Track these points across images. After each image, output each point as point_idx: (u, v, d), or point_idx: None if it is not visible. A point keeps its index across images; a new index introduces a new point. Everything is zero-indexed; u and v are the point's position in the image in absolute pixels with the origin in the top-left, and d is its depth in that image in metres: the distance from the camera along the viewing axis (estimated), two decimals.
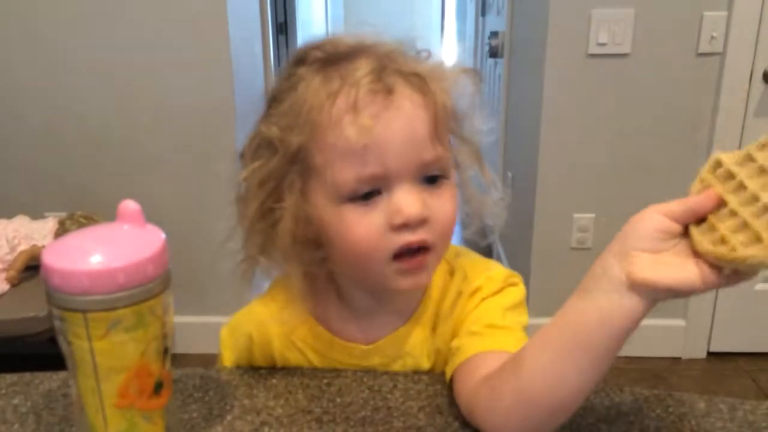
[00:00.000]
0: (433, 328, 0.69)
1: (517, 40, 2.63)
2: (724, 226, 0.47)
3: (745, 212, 0.47)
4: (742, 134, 2.01)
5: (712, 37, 1.94)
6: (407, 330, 0.69)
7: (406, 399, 0.62)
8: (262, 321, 0.70)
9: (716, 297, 2.18)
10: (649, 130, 2.04)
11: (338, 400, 0.62)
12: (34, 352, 1.51)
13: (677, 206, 0.51)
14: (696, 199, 0.50)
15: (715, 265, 0.47)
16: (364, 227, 0.58)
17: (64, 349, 0.48)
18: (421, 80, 0.59)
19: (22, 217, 1.98)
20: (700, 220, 0.49)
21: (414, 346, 0.69)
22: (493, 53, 2.89)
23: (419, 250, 0.59)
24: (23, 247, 1.88)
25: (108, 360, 0.47)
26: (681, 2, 1.92)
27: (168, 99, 2.06)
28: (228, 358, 0.72)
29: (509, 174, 2.67)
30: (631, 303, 0.50)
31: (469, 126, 0.65)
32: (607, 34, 1.94)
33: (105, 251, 0.47)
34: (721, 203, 0.49)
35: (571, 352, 0.52)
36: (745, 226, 0.46)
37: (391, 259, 0.59)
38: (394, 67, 0.59)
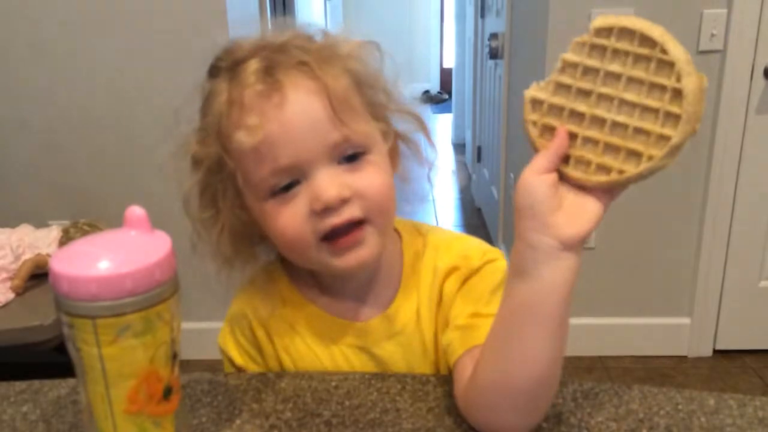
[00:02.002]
0: (419, 305, 0.70)
1: (516, 42, 2.63)
2: (591, 154, 0.51)
3: (601, 135, 0.50)
4: (744, 131, 2.01)
5: (712, 35, 1.93)
6: (392, 313, 0.70)
7: (414, 401, 0.62)
8: (252, 302, 0.73)
9: (721, 295, 2.18)
10: None
11: (347, 402, 0.62)
12: (41, 360, 1.51)
13: (545, 159, 0.53)
14: (554, 144, 0.53)
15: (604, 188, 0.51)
16: (287, 218, 0.61)
17: (73, 355, 0.48)
18: (308, 67, 0.61)
19: (26, 226, 1.98)
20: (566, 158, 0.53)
21: (406, 324, 0.70)
22: (493, 55, 2.89)
23: (351, 227, 0.61)
24: (28, 255, 1.88)
25: (117, 366, 0.47)
26: (681, 0, 1.92)
27: (170, 105, 2.06)
28: (234, 353, 0.73)
29: (511, 175, 2.67)
30: (570, 261, 0.52)
31: (396, 94, 0.68)
32: None
33: (112, 257, 0.47)
34: (572, 135, 0.52)
35: (534, 331, 0.54)
36: (608, 146, 0.50)
37: (320, 242, 0.61)
38: (282, 61, 0.61)
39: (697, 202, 2.11)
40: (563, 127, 0.53)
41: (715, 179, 2.06)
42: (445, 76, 6.62)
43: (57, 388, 0.66)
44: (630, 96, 0.49)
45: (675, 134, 0.47)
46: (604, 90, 0.50)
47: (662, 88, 0.48)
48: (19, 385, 0.67)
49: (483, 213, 3.56)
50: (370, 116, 0.65)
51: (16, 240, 1.90)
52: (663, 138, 0.48)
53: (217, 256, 0.67)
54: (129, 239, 0.49)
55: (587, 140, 0.51)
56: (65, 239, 1.92)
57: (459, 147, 4.88)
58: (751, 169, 2.05)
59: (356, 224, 0.61)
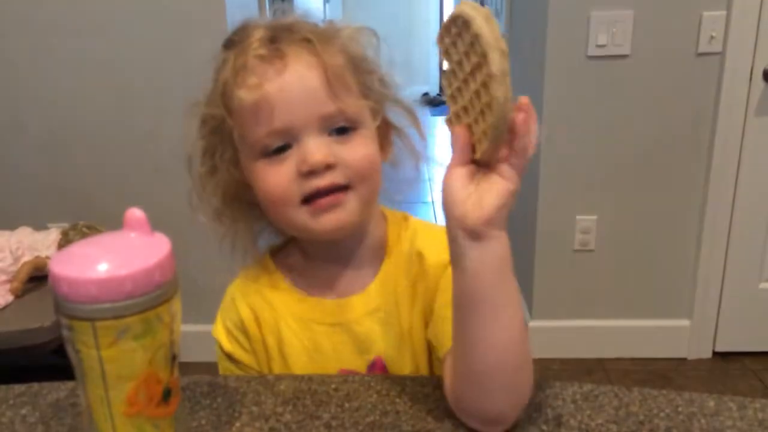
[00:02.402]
0: (397, 285, 0.73)
1: (516, 43, 2.63)
2: (478, 134, 0.54)
3: (473, 113, 0.54)
4: (743, 133, 2.01)
5: (712, 37, 1.94)
6: (373, 290, 0.74)
7: (414, 403, 0.62)
8: (241, 289, 0.77)
9: (721, 297, 2.18)
10: (650, 131, 2.04)
11: (346, 405, 0.62)
12: (40, 363, 1.51)
13: (455, 156, 0.56)
14: (458, 141, 0.56)
15: (514, 163, 0.54)
16: (275, 177, 0.66)
17: (73, 358, 0.48)
18: (311, 44, 0.66)
19: (24, 229, 1.98)
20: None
21: (384, 302, 0.73)
22: None
23: (333, 190, 0.66)
24: (27, 258, 1.88)
25: (116, 368, 0.47)
26: (680, 3, 1.92)
27: (170, 106, 2.06)
28: (223, 339, 0.76)
29: None
30: (485, 245, 0.54)
31: (392, 83, 0.73)
32: (607, 36, 1.94)
33: (112, 259, 0.47)
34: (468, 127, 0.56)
35: (475, 318, 0.56)
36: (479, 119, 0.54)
37: (301, 203, 0.66)
38: (287, 36, 0.67)
39: (697, 204, 2.11)
40: (457, 128, 0.56)
41: (715, 181, 2.06)
42: None
43: (56, 390, 0.66)
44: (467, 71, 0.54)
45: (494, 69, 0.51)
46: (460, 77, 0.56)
47: (478, 59, 0.52)
48: (18, 387, 0.67)
49: None
50: (363, 96, 0.69)
51: (15, 242, 1.89)
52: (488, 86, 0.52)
53: (208, 208, 0.73)
54: (128, 241, 0.49)
55: (474, 124, 0.55)
56: (64, 241, 1.92)
57: None
58: (751, 171, 2.06)
59: (339, 189, 0.66)
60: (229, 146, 0.69)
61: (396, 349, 0.73)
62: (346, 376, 0.67)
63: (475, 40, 0.52)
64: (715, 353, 2.24)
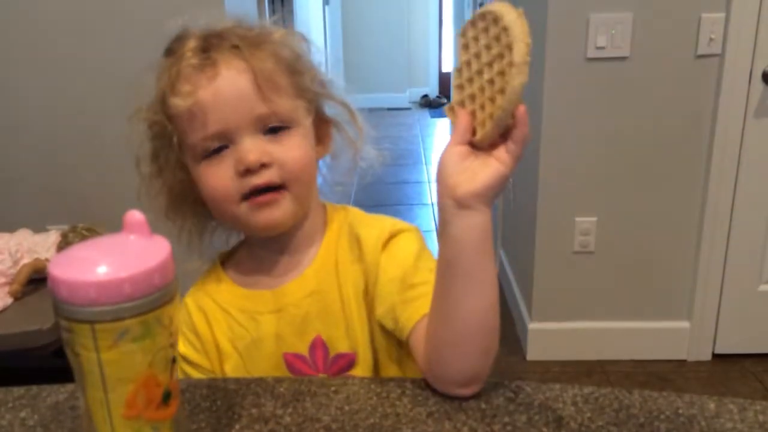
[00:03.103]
0: (338, 269, 0.77)
1: None
2: (481, 116, 0.59)
3: (482, 98, 0.59)
4: (742, 135, 2.02)
5: (711, 39, 1.94)
6: (310, 273, 0.77)
7: (414, 405, 0.62)
8: (192, 294, 0.81)
9: (720, 298, 2.18)
10: (649, 133, 2.04)
11: (346, 407, 0.62)
12: (39, 365, 1.51)
13: (453, 135, 0.61)
14: (460, 123, 0.60)
15: (511, 149, 0.58)
16: (215, 177, 0.70)
17: (72, 360, 0.48)
18: (239, 50, 0.70)
19: (24, 231, 1.98)
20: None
21: (319, 284, 0.76)
22: None
23: (269, 189, 0.70)
24: (26, 260, 1.88)
25: (116, 371, 0.47)
26: (679, 4, 1.92)
27: None
28: (179, 343, 0.77)
29: (510, 179, 2.67)
30: (470, 218, 0.59)
31: (326, 82, 0.77)
32: (606, 38, 1.94)
33: (111, 262, 0.46)
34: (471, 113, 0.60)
35: (457, 283, 0.61)
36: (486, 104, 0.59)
37: (240, 200, 0.70)
38: (217, 43, 0.71)
39: (696, 206, 2.11)
40: (461, 111, 0.61)
41: (714, 183, 2.06)
42: (444, 80, 6.63)
43: (55, 393, 0.66)
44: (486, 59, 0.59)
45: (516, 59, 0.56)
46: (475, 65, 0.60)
47: (500, 50, 0.57)
48: (18, 390, 0.67)
49: None
50: (296, 96, 0.73)
51: (15, 244, 1.89)
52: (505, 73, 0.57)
53: (154, 207, 0.76)
54: (128, 244, 0.49)
55: (479, 110, 0.59)
56: (64, 244, 1.91)
57: None
58: (750, 173, 2.06)
59: (275, 188, 0.70)
60: (172, 150, 0.73)
61: (334, 327, 0.76)
62: (346, 378, 0.67)
63: (503, 32, 0.56)
64: (714, 355, 2.24)
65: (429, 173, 4.50)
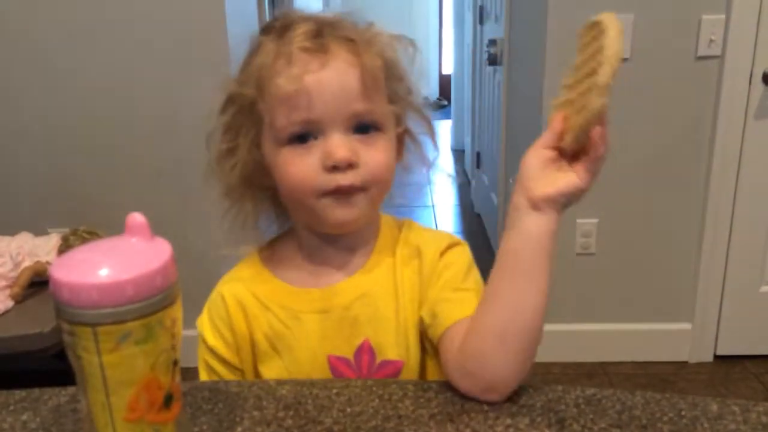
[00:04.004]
0: (394, 274, 0.76)
1: (515, 48, 2.63)
2: (574, 115, 0.61)
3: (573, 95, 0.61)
4: (743, 136, 2.02)
5: (711, 41, 1.94)
6: (361, 276, 0.76)
7: (416, 407, 0.62)
8: (229, 285, 0.78)
9: (722, 300, 2.18)
10: (650, 134, 2.04)
11: (348, 409, 0.62)
12: (40, 368, 1.51)
13: (542, 138, 0.63)
14: (552, 126, 0.63)
15: (588, 167, 0.61)
16: (299, 166, 0.68)
17: (74, 363, 0.48)
18: (353, 44, 0.69)
19: (25, 234, 1.98)
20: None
21: (371, 288, 0.75)
22: (492, 61, 2.90)
23: (350, 189, 0.69)
24: (27, 263, 1.88)
25: (118, 373, 0.47)
26: (679, 6, 1.93)
27: (169, 111, 2.06)
28: (208, 333, 0.77)
29: (510, 181, 2.67)
30: (540, 219, 0.62)
31: (417, 93, 0.76)
32: None
33: (113, 264, 0.46)
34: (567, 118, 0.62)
35: (517, 278, 0.63)
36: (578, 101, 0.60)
37: (321, 195, 0.68)
38: (331, 32, 0.69)
39: (697, 208, 2.11)
40: (557, 114, 0.63)
41: (715, 185, 2.06)
42: (444, 82, 6.63)
43: (57, 396, 0.66)
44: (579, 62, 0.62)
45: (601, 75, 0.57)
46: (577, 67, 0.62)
47: (595, 66, 0.59)
48: (19, 393, 0.67)
49: (482, 219, 3.56)
50: (390, 101, 0.72)
51: (16, 247, 1.90)
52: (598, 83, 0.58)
53: (224, 186, 0.74)
54: (130, 246, 0.49)
55: (573, 116, 0.61)
56: (64, 247, 1.92)
57: (458, 153, 4.88)
58: (751, 174, 2.06)
59: (355, 189, 0.69)
60: (254, 127, 0.71)
61: (384, 332, 0.74)
62: (348, 380, 0.67)
63: (599, 51, 0.58)
64: (716, 357, 2.24)
65: (431, 176, 4.49)
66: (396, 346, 0.74)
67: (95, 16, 2.02)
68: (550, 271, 0.64)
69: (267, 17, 2.61)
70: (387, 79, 0.71)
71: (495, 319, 0.63)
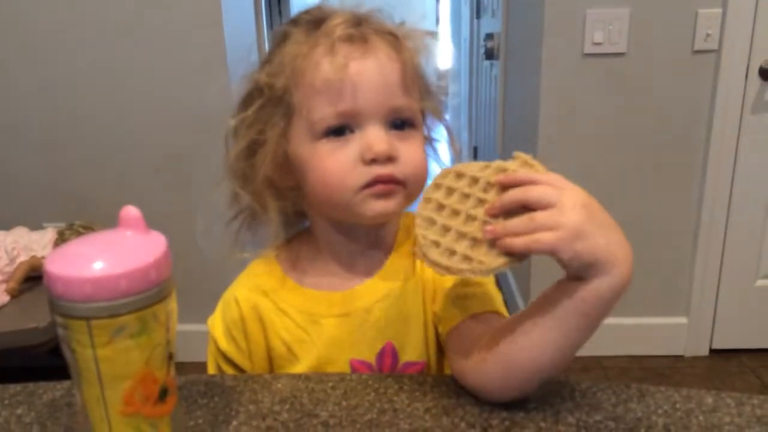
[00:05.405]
0: (413, 271, 0.74)
1: (512, 42, 2.63)
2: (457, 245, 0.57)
3: (470, 229, 0.57)
4: (739, 130, 2.02)
5: (708, 35, 1.94)
6: (382, 277, 0.74)
7: (412, 401, 0.62)
8: (244, 288, 0.76)
9: (718, 294, 2.19)
10: (646, 129, 2.04)
11: (344, 403, 0.62)
12: (36, 364, 1.51)
13: None
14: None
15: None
16: (336, 160, 0.66)
17: (68, 357, 0.48)
18: (394, 38, 0.68)
19: (20, 228, 1.98)
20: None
21: (392, 288, 0.73)
22: (489, 55, 2.90)
23: (390, 181, 0.66)
24: (23, 258, 1.88)
25: (112, 367, 0.47)
26: (676, 0, 1.92)
27: (165, 107, 2.06)
28: (220, 335, 0.76)
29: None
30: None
31: (440, 94, 0.75)
32: (603, 34, 1.94)
33: (107, 257, 0.46)
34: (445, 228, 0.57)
35: (544, 322, 0.60)
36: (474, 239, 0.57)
37: (359, 189, 0.66)
38: (369, 25, 0.68)
39: (693, 202, 2.11)
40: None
41: (711, 178, 2.06)
42: None
43: (52, 390, 0.66)
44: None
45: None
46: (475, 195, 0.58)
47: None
48: (14, 387, 0.67)
49: None
50: (420, 100, 0.71)
51: (11, 242, 1.89)
52: None
53: (242, 182, 0.72)
54: (124, 239, 0.49)
55: (459, 234, 0.57)
56: (60, 241, 1.91)
57: None
58: (747, 168, 2.06)
59: (395, 182, 0.67)
60: (283, 118, 0.69)
61: (406, 334, 0.73)
62: (343, 374, 0.67)
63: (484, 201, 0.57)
64: (712, 350, 2.25)
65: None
66: (418, 347, 0.73)
67: (93, 12, 2.01)
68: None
69: (264, 16, 2.60)
70: (421, 77, 0.71)
71: (522, 349, 0.59)
